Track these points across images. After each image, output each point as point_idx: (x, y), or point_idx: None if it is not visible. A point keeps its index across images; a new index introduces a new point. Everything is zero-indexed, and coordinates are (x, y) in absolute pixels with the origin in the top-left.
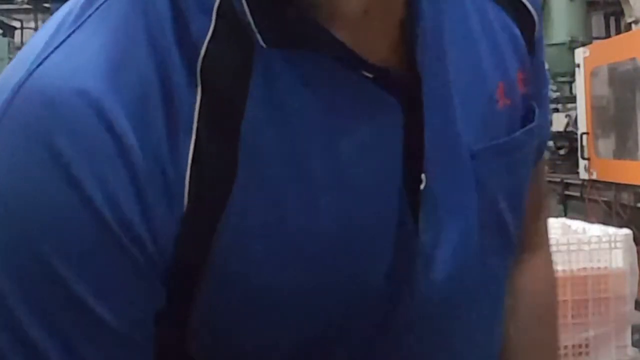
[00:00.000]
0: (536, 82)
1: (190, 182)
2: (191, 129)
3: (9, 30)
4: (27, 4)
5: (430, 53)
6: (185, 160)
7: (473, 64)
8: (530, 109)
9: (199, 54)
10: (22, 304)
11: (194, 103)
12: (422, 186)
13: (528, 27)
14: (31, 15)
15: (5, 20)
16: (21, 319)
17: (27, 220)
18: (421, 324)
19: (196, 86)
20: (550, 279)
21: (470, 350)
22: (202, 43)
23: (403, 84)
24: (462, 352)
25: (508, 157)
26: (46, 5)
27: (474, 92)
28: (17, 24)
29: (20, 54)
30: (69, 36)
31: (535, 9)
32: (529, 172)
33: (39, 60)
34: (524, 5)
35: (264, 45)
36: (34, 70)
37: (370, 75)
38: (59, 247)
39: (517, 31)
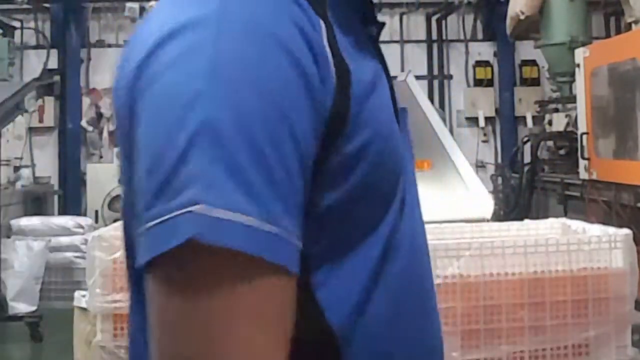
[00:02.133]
0: None
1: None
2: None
3: (9, 30)
4: (27, 4)
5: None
6: (329, 56)
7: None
8: None
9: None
10: (241, 140)
11: (323, 35)
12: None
13: None
14: (31, 15)
15: (5, 20)
16: (238, 153)
17: (263, 83)
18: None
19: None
20: None
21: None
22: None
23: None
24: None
25: (407, 120)
26: (46, 5)
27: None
28: (17, 24)
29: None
30: None
31: None
32: None
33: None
34: None
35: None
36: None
37: (374, 33)
38: (271, 95)
39: None
